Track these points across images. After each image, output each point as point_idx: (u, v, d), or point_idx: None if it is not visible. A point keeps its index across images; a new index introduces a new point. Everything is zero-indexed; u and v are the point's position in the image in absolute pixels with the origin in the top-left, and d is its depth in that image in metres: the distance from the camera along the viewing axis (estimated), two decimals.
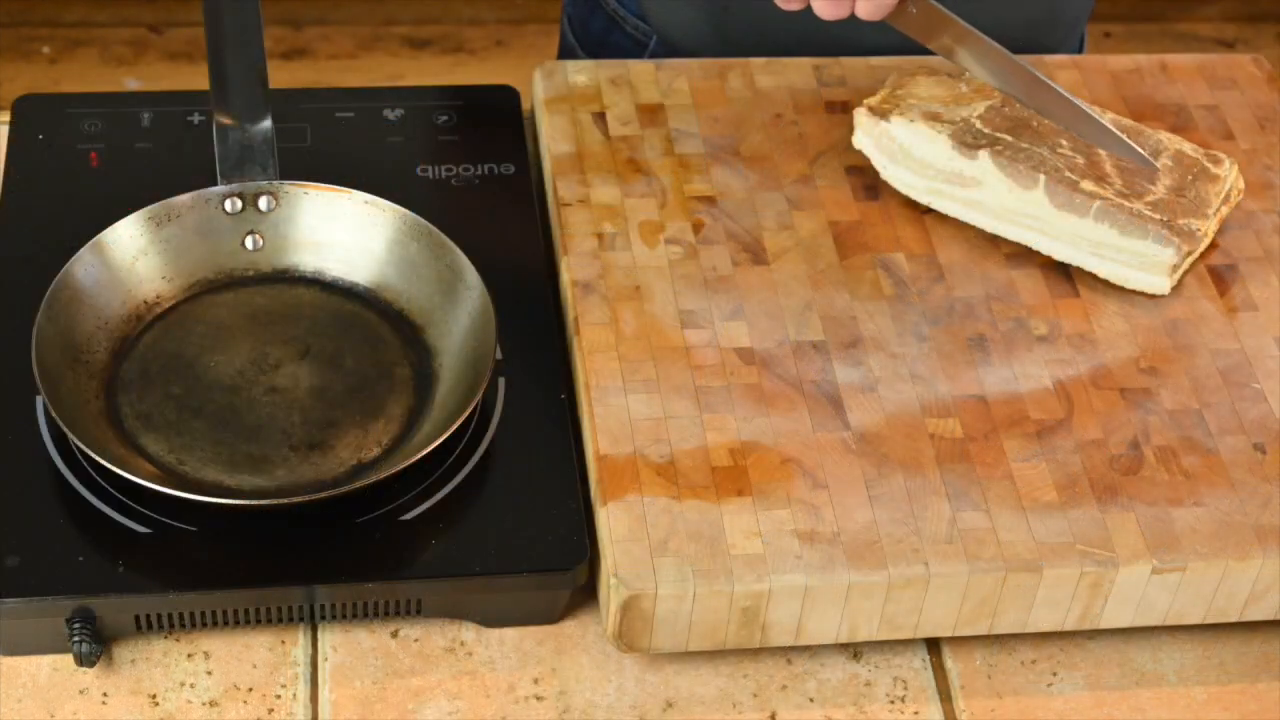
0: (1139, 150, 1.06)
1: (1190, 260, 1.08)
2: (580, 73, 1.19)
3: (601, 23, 1.39)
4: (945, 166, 1.09)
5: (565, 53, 1.45)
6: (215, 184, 1.07)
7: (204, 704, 0.92)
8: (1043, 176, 1.07)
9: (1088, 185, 1.07)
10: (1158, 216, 1.06)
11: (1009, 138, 1.09)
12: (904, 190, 1.12)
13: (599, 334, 1.03)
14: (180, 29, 2.68)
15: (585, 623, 0.97)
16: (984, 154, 1.08)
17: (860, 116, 1.13)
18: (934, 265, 1.09)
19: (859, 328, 1.04)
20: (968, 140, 1.09)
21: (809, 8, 1.05)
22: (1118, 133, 1.06)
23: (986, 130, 1.09)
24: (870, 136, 1.12)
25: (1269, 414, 1.02)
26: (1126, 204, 1.06)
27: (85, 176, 1.11)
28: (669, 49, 1.36)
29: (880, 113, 1.12)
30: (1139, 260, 1.06)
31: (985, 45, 1.06)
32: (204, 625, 0.94)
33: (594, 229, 1.09)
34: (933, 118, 1.10)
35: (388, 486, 0.95)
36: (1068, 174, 1.07)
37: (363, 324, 1.05)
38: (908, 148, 1.10)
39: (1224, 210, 1.10)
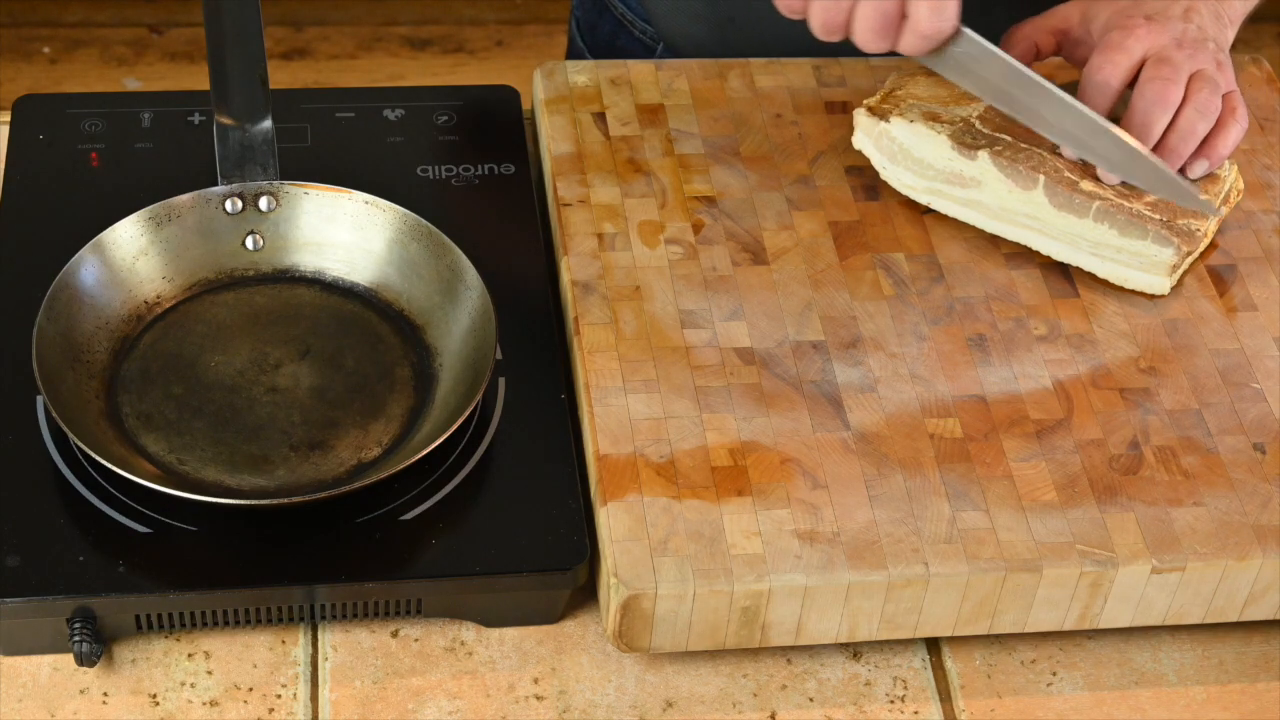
0: (1201, 197, 1.05)
1: (1190, 260, 1.08)
2: (580, 73, 1.19)
3: (610, 26, 1.40)
4: (945, 166, 1.09)
5: (573, 56, 1.45)
6: (215, 184, 1.07)
7: (204, 704, 0.92)
8: (1042, 177, 1.07)
9: (1087, 185, 1.07)
10: (1157, 216, 1.06)
11: (1008, 138, 1.09)
12: (903, 190, 1.12)
13: (599, 334, 1.03)
14: (180, 29, 2.68)
15: (585, 623, 0.97)
16: (983, 154, 1.08)
17: (859, 117, 1.13)
18: (934, 265, 1.09)
19: (859, 328, 1.05)
20: (967, 140, 1.09)
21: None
22: (1183, 182, 1.04)
23: (986, 130, 1.09)
24: (870, 137, 1.12)
25: (1268, 414, 1.02)
26: (1126, 204, 1.06)
27: (85, 176, 1.11)
28: (676, 55, 1.36)
29: (880, 113, 1.12)
30: (1139, 260, 1.06)
31: (1040, 88, 1.04)
32: (204, 625, 0.94)
33: (594, 229, 1.09)
34: (932, 118, 1.10)
35: (388, 486, 0.95)
36: (1067, 174, 1.07)
37: (363, 324, 1.05)
38: (907, 148, 1.10)
39: (1224, 211, 1.10)
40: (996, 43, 1.16)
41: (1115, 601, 0.95)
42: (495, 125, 1.18)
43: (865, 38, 1.02)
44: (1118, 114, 1.08)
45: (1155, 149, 1.05)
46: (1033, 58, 1.13)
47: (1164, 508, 0.97)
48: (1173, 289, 1.08)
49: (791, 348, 1.03)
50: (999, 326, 1.06)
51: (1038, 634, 0.99)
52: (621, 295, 1.05)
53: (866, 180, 1.14)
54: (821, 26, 1.03)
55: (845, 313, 1.05)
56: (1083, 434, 1.00)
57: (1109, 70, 1.06)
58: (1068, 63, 1.15)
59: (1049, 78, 1.05)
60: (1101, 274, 1.08)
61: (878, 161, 1.12)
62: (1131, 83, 1.07)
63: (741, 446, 0.97)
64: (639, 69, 1.20)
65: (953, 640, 0.99)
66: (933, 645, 0.99)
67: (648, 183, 1.12)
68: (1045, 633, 0.99)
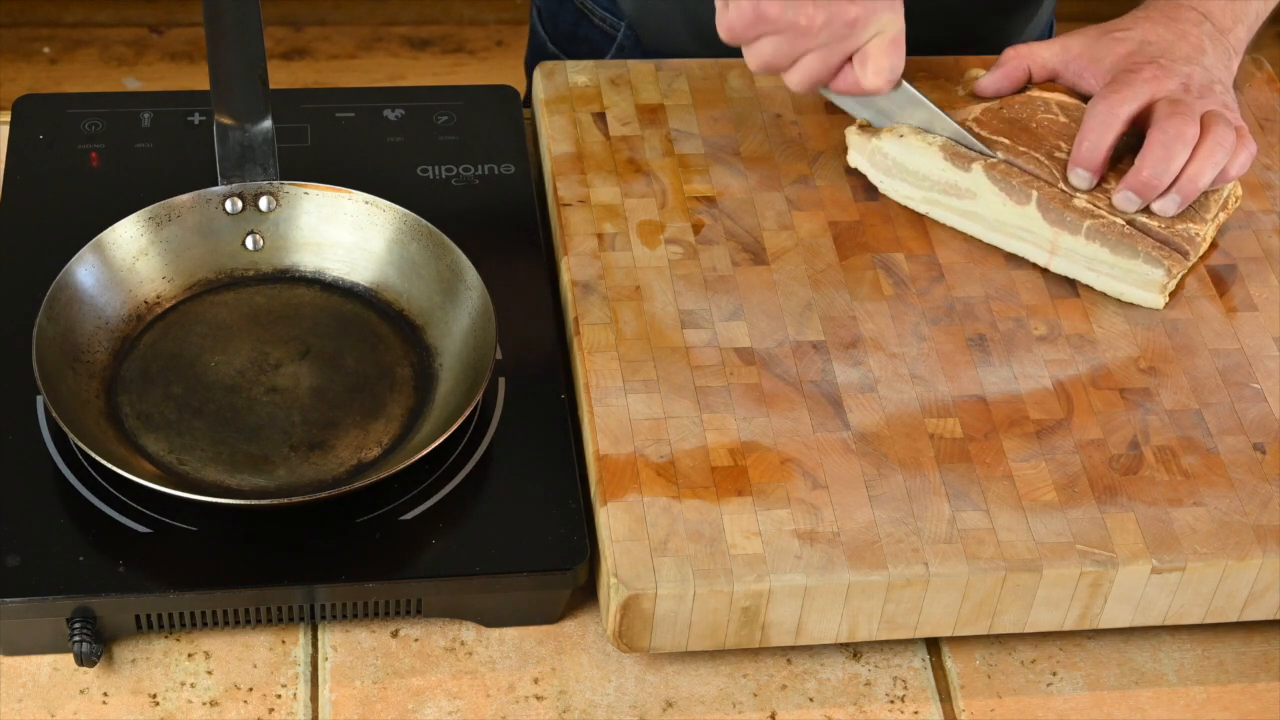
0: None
1: (1189, 265, 1.08)
2: (580, 73, 1.19)
3: (570, 16, 1.40)
4: (940, 177, 1.09)
5: (535, 45, 1.45)
6: (215, 184, 1.07)
7: (204, 704, 0.92)
8: (1035, 193, 1.06)
9: (1080, 203, 1.06)
10: (1153, 224, 1.06)
11: (1006, 140, 1.09)
12: (903, 202, 1.12)
13: (599, 334, 1.03)
14: (180, 29, 2.68)
15: (585, 623, 0.98)
16: (977, 167, 1.08)
17: (851, 136, 1.12)
18: (934, 265, 1.09)
19: (859, 328, 1.04)
20: (960, 151, 1.09)
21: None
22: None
23: (983, 135, 1.09)
24: (863, 155, 1.12)
25: (1268, 414, 1.02)
26: (1118, 221, 1.06)
27: (85, 176, 1.11)
28: (638, 41, 1.36)
29: (871, 130, 1.11)
30: (1132, 277, 1.06)
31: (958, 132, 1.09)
32: (204, 625, 0.94)
33: (594, 229, 1.09)
34: (924, 129, 1.10)
35: (388, 486, 0.95)
36: (1061, 188, 1.07)
37: (363, 324, 1.05)
38: (901, 161, 1.10)
39: (1222, 217, 1.10)
40: (1000, 46, 1.16)
41: (1115, 601, 0.95)
42: (495, 125, 1.18)
43: (800, 79, 1.06)
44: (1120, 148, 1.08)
45: (1174, 179, 1.06)
46: (1025, 79, 1.14)
47: (1164, 508, 0.97)
48: (1173, 290, 1.08)
49: (791, 348, 1.03)
50: (999, 326, 1.06)
51: (1038, 634, 0.99)
52: (621, 295, 1.05)
53: (866, 180, 1.13)
54: (763, 65, 1.06)
55: (845, 313, 1.05)
56: (1083, 434, 1.00)
57: (1115, 100, 1.07)
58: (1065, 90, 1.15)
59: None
60: (1098, 287, 1.07)
61: (874, 177, 1.12)
62: (1135, 126, 1.08)
63: (741, 446, 0.97)
64: (639, 69, 1.20)
65: (953, 640, 0.99)
66: (933, 645, 0.99)
67: (648, 183, 1.12)
68: (1045, 633, 0.99)
